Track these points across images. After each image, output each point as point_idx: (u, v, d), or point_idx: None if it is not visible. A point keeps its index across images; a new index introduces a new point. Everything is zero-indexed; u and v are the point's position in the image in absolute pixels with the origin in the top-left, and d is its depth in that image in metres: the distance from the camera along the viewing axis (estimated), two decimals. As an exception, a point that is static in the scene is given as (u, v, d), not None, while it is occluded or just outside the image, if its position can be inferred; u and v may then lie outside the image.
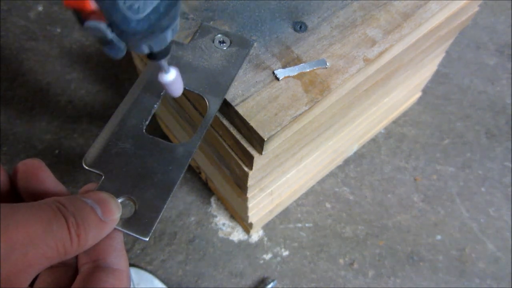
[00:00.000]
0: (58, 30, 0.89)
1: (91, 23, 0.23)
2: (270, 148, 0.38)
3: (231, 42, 0.39)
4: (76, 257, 0.27)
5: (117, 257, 0.26)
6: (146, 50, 0.27)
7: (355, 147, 0.75)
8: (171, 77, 0.31)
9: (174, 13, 0.26)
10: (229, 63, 0.38)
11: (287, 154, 0.46)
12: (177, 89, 0.33)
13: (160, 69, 0.31)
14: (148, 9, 0.24)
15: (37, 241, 0.21)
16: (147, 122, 0.34)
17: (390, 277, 0.69)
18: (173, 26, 0.27)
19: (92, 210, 0.24)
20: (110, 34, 0.23)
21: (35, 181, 0.26)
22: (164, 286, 0.65)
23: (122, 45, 0.25)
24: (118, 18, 0.23)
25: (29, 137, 0.77)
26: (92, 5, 0.21)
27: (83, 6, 0.21)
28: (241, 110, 0.36)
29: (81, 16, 0.23)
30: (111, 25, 0.23)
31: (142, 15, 0.24)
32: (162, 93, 0.35)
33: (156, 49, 0.27)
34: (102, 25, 0.23)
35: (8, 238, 0.20)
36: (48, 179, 0.27)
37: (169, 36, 0.27)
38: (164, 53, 0.28)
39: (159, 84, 0.32)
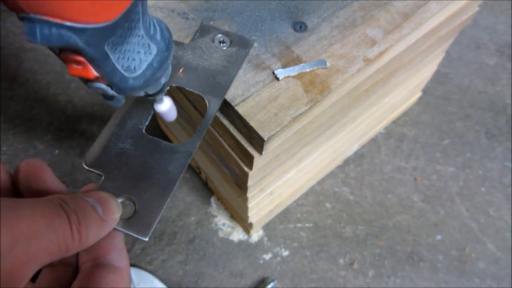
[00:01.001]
0: (58, 30, 0.89)
1: (94, 84, 0.26)
2: (270, 148, 0.38)
3: (231, 42, 0.39)
4: (77, 256, 0.27)
5: (118, 255, 0.26)
6: (142, 94, 0.30)
7: (355, 147, 0.75)
8: (165, 107, 0.33)
9: (167, 65, 0.28)
10: (229, 63, 0.38)
11: (287, 154, 0.46)
12: (171, 116, 0.35)
13: (154, 100, 0.33)
14: (143, 66, 0.26)
15: (40, 235, 0.21)
16: (147, 122, 0.34)
17: (390, 277, 0.69)
18: (166, 74, 0.29)
19: (93, 209, 0.25)
20: (110, 91, 0.26)
21: (37, 180, 0.26)
22: (164, 286, 0.65)
23: (121, 97, 0.29)
24: (117, 79, 0.25)
25: (29, 137, 0.77)
26: (94, 73, 0.24)
27: (87, 75, 0.24)
28: (241, 110, 0.36)
29: (85, 80, 0.26)
30: (110, 84, 0.26)
31: (138, 73, 0.26)
32: None
33: (151, 92, 0.30)
34: (104, 86, 0.26)
35: (11, 231, 0.20)
36: (49, 179, 0.27)
37: (162, 81, 0.29)
38: (158, 92, 0.31)
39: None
